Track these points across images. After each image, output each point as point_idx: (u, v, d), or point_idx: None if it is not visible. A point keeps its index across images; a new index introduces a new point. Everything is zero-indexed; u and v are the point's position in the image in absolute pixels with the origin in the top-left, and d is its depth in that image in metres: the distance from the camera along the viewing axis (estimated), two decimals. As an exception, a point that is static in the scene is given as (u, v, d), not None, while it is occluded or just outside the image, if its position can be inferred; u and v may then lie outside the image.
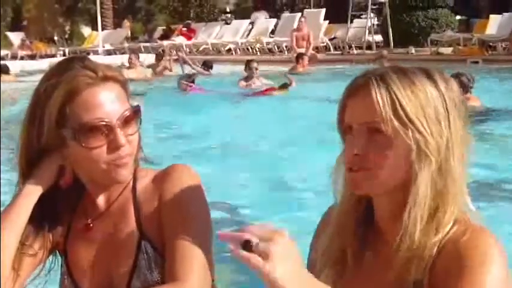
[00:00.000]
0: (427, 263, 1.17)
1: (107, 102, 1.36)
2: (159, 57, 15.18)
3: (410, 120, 1.16)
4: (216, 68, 14.88)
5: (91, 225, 1.49)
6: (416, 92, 1.17)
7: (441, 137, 1.17)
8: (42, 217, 1.45)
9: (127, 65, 13.82)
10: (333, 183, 1.32)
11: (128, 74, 11.01)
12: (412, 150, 1.16)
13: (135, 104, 1.44)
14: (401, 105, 1.16)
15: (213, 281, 1.43)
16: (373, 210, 1.29)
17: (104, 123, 1.35)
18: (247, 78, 11.24)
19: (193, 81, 10.75)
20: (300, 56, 14.33)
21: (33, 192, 1.40)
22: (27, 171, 1.42)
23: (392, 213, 1.23)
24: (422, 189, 1.17)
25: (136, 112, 1.41)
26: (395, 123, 1.16)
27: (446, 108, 1.18)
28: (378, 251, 1.28)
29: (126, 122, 1.38)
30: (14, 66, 15.83)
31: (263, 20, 22.04)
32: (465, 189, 1.22)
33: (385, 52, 14.37)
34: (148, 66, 14.67)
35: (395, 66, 1.23)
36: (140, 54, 16.21)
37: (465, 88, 7.41)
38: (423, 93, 1.17)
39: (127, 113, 1.38)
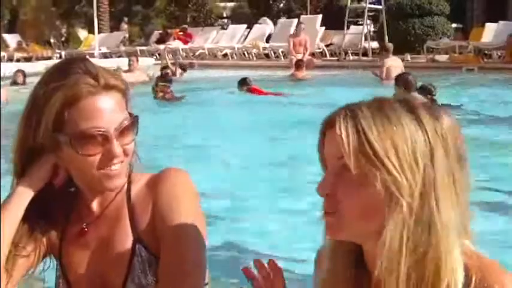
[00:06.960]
0: None
1: (106, 112, 1.34)
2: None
3: (378, 158, 1.02)
4: (212, 73, 14.89)
5: (86, 229, 1.49)
6: (388, 127, 1.04)
7: (416, 177, 1.03)
8: (37, 219, 1.44)
9: (123, 68, 13.72)
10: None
11: (127, 77, 10.88)
12: (381, 191, 1.03)
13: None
14: (368, 140, 1.02)
15: (206, 284, 1.44)
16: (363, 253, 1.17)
17: (101, 132, 1.34)
18: None
19: None
20: (298, 63, 14.25)
21: (27, 191, 1.39)
22: (22, 171, 1.41)
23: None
24: (390, 236, 1.02)
25: (134, 121, 1.40)
26: (362, 160, 1.03)
27: (430, 144, 1.04)
28: None
29: (123, 131, 1.37)
30: (9, 68, 15.77)
31: (259, 25, 22.04)
32: (466, 231, 1.09)
33: (389, 44, 14.20)
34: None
35: (375, 99, 1.10)
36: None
37: (411, 87, 7.54)
38: (398, 128, 1.04)
39: (125, 123, 1.37)
